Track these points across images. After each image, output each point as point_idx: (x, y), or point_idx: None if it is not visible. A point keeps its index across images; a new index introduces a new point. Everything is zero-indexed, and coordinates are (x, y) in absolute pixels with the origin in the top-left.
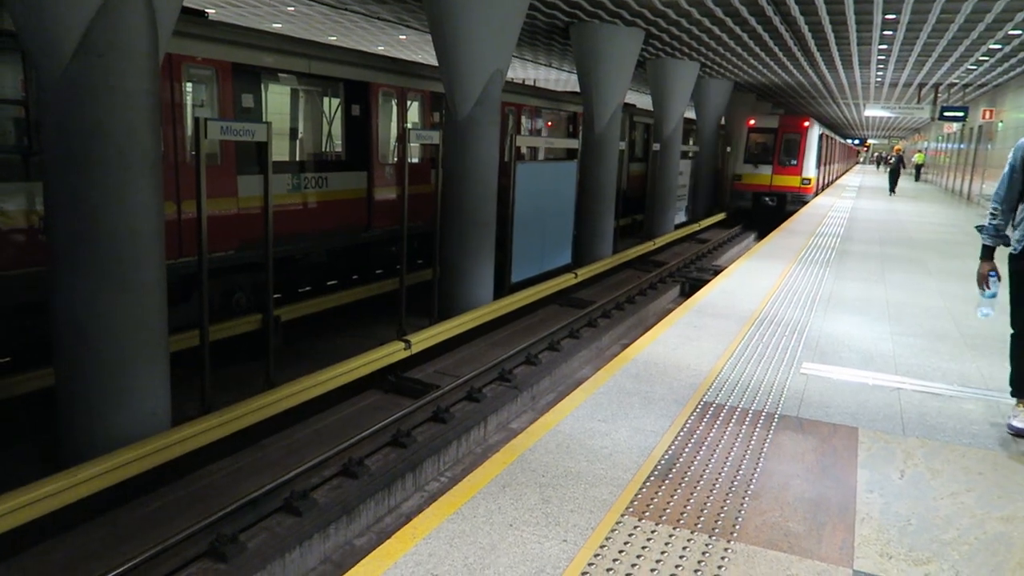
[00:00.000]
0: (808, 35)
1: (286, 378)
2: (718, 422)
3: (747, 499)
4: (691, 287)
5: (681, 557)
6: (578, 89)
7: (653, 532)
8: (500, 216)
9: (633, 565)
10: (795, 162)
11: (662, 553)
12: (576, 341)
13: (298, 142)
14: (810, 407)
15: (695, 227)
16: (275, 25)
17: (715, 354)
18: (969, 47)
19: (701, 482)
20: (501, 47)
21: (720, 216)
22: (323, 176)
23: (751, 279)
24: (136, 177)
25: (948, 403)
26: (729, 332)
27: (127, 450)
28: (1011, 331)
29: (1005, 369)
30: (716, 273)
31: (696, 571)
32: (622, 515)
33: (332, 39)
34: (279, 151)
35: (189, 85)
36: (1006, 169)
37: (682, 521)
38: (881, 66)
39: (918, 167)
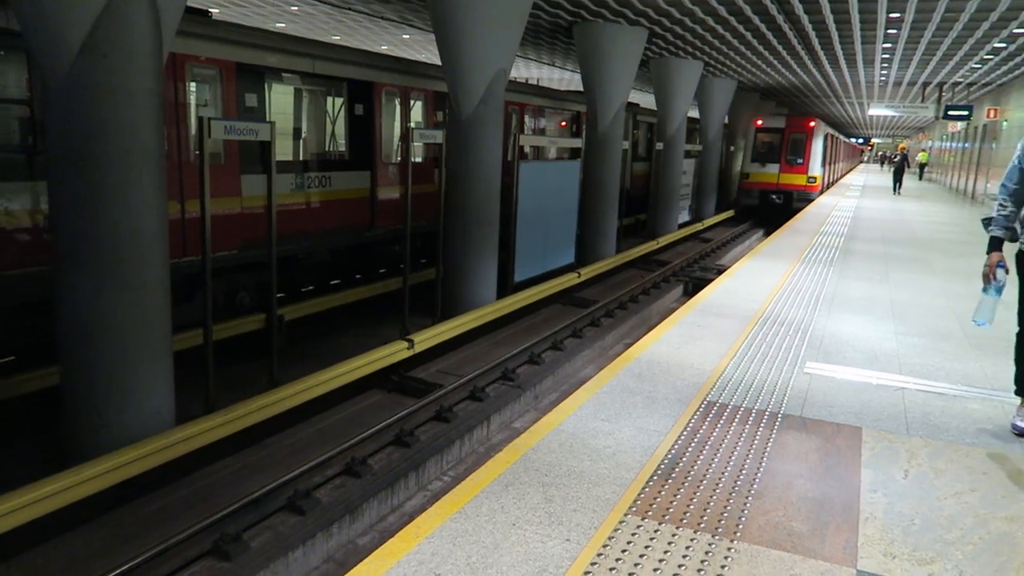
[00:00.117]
0: (812, 34)
1: (289, 377)
2: (721, 421)
3: (750, 499)
4: (694, 286)
5: (684, 557)
6: (581, 88)
7: (656, 532)
8: (503, 215)
9: (636, 564)
10: (801, 161)
11: (665, 553)
12: (579, 340)
13: (302, 141)
14: (814, 407)
15: (699, 226)
16: (279, 25)
17: (718, 353)
18: (973, 46)
19: (704, 481)
20: (505, 46)
21: (729, 213)
22: (327, 175)
23: (755, 278)
24: (140, 176)
25: (952, 403)
26: (732, 331)
27: (131, 449)
28: (1016, 330)
29: (1009, 368)
30: (719, 272)
31: (699, 571)
32: (625, 514)
33: (336, 39)
34: (282, 151)
35: (193, 85)
36: (1014, 162)
37: (685, 521)
38: (885, 65)
39: (922, 166)
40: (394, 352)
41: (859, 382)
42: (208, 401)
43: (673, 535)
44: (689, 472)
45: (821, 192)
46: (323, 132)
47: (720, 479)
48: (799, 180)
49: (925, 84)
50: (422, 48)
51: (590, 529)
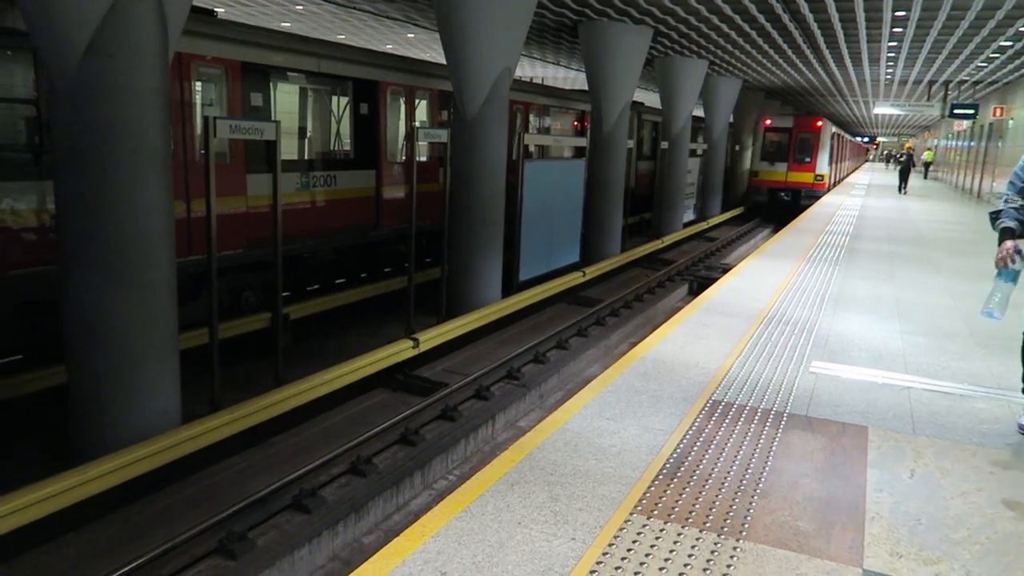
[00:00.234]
0: (817, 32)
1: (295, 376)
2: (727, 421)
3: (756, 498)
4: (699, 285)
5: (690, 556)
6: (586, 87)
7: (662, 531)
8: (508, 214)
9: (642, 564)
10: (809, 159)
11: (671, 552)
12: (584, 339)
13: (307, 141)
14: (819, 406)
15: (704, 225)
16: (284, 24)
17: (724, 352)
18: (980, 44)
19: (710, 481)
20: (509, 45)
21: (738, 211)
22: (332, 175)
23: (760, 277)
24: (146, 176)
25: (958, 402)
26: (738, 330)
27: (137, 448)
28: (1023, 329)
29: (1016, 368)
30: (725, 271)
31: (705, 570)
32: (631, 513)
33: (341, 38)
34: (288, 150)
35: (199, 84)
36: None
37: (691, 520)
38: (891, 63)
39: (927, 165)
40: (399, 351)
41: (865, 381)
42: (214, 400)
43: (679, 534)
44: (694, 471)
45: (828, 190)
46: (328, 131)
47: (725, 478)
48: (807, 178)
49: (931, 82)
50: (427, 47)
51: (596, 528)
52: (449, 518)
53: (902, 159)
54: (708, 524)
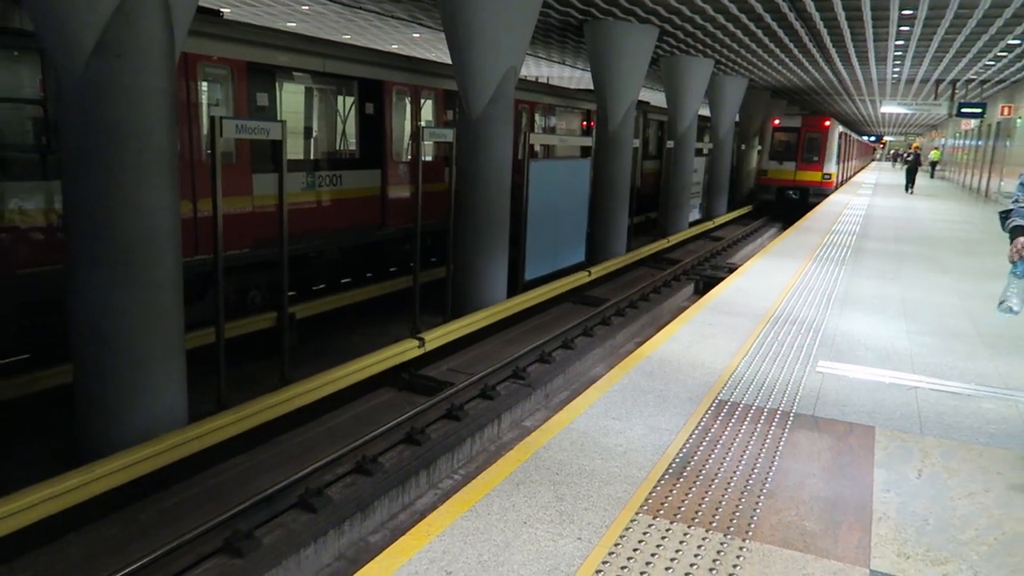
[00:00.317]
0: (823, 31)
1: (300, 375)
2: (733, 420)
3: (762, 498)
4: (705, 285)
5: (696, 556)
6: (591, 87)
7: (668, 530)
8: (514, 214)
9: (647, 563)
10: (817, 159)
11: (676, 551)
12: (590, 339)
13: (312, 140)
14: (826, 405)
15: (709, 224)
16: (289, 24)
17: (730, 352)
18: (987, 43)
19: (716, 480)
20: (515, 45)
21: (746, 209)
22: (337, 174)
23: (766, 277)
24: (152, 176)
25: (965, 402)
26: (744, 330)
27: (143, 446)
28: None
29: (1023, 368)
30: (731, 271)
31: (711, 570)
32: (636, 513)
33: (346, 38)
34: (294, 150)
35: (205, 84)
36: None
37: (697, 519)
38: (898, 62)
39: (933, 164)
40: (405, 350)
41: (872, 381)
42: (220, 399)
43: (685, 534)
44: (701, 471)
45: (835, 188)
46: (334, 131)
47: (732, 478)
48: (815, 177)
49: (938, 81)
50: (432, 47)
51: (601, 528)
52: (455, 517)
53: (909, 158)
54: (714, 524)
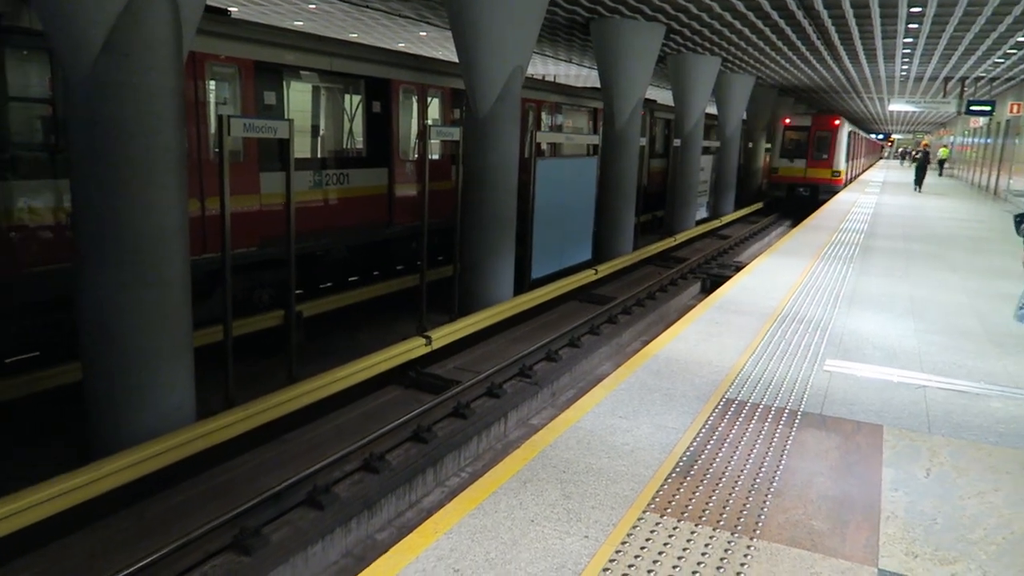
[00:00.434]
0: (831, 29)
1: (308, 373)
2: (740, 419)
3: (770, 496)
4: (712, 283)
5: (703, 554)
6: (598, 85)
7: (675, 529)
8: (520, 212)
9: (655, 562)
10: (826, 157)
11: (683, 550)
12: (596, 337)
13: (320, 139)
14: (834, 404)
15: (716, 223)
16: (296, 23)
17: (737, 351)
18: (996, 40)
19: (723, 479)
20: (522, 43)
21: (755, 206)
22: (344, 173)
23: (773, 275)
24: (160, 174)
25: (974, 401)
26: (751, 328)
27: (152, 444)
28: None
29: None
30: (738, 269)
31: (718, 568)
32: (643, 511)
33: (353, 36)
34: (301, 148)
35: (212, 83)
36: None
37: (704, 518)
38: (906, 60)
39: (941, 162)
40: (412, 348)
41: (880, 380)
42: (228, 397)
43: (692, 533)
44: (708, 469)
45: (845, 185)
46: (341, 129)
47: (739, 477)
48: (824, 174)
49: (947, 79)
50: (439, 45)
51: (608, 526)
52: (462, 515)
53: (918, 156)
54: (721, 522)
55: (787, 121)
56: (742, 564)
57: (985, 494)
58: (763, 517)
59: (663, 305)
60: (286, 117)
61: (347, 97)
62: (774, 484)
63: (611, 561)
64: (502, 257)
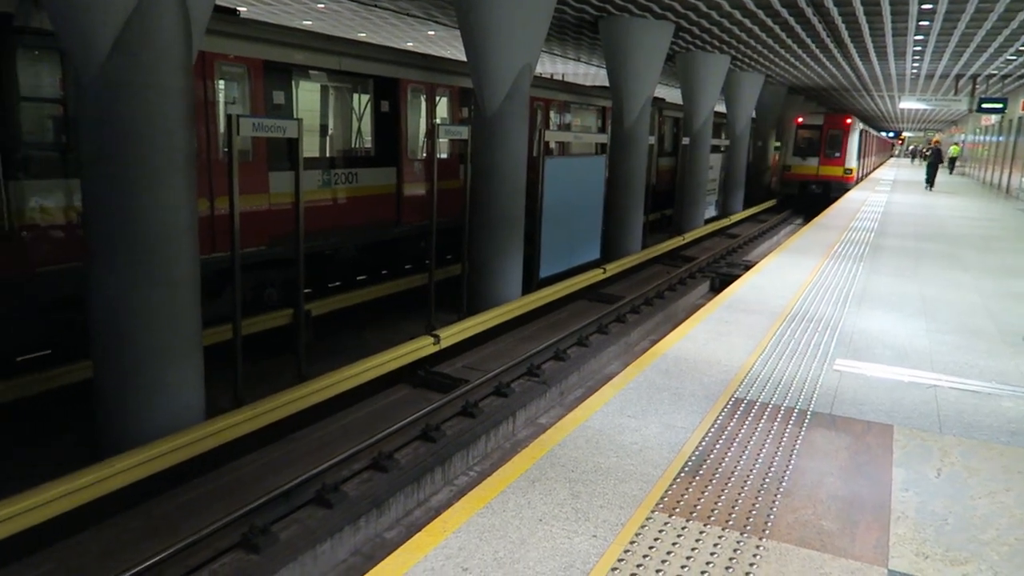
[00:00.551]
0: (842, 26)
1: (316, 372)
2: (749, 418)
3: (779, 496)
4: (721, 282)
5: (712, 554)
6: (607, 83)
7: (683, 528)
8: (529, 211)
9: (663, 561)
10: (839, 155)
11: (692, 550)
12: (605, 336)
13: (328, 138)
14: (843, 404)
15: (725, 222)
16: (305, 22)
17: (746, 350)
18: (1008, 37)
19: (732, 479)
20: (530, 42)
21: (768, 204)
22: (353, 172)
23: (782, 274)
24: (170, 174)
25: (986, 401)
26: (760, 328)
27: (161, 442)
28: None
29: None
30: (747, 268)
31: (727, 568)
32: (652, 511)
33: (362, 35)
34: (309, 147)
35: (222, 82)
36: None
37: (713, 518)
38: (917, 57)
39: (952, 160)
40: (420, 347)
41: (890, 379)
42: (237, 396)
43: (701, 532)
44: (717, 469)
45: (856, 182)
46: (349, 129)
47: (748, 476)
48: (836, 172)
49: (958, 77)
50: (447, 44)
51: (617, 526)
52: (470, 514)
53: (928, 153)
54: (730, 522)
55: (800, 120)
56: (751, 564)
57: (997, 494)
58: (772, 517)
59: (672, 304)
60: (295, 116)
61: (356, 96)
62: (783, 484)
63: (619, 561)
64: (510, 256)
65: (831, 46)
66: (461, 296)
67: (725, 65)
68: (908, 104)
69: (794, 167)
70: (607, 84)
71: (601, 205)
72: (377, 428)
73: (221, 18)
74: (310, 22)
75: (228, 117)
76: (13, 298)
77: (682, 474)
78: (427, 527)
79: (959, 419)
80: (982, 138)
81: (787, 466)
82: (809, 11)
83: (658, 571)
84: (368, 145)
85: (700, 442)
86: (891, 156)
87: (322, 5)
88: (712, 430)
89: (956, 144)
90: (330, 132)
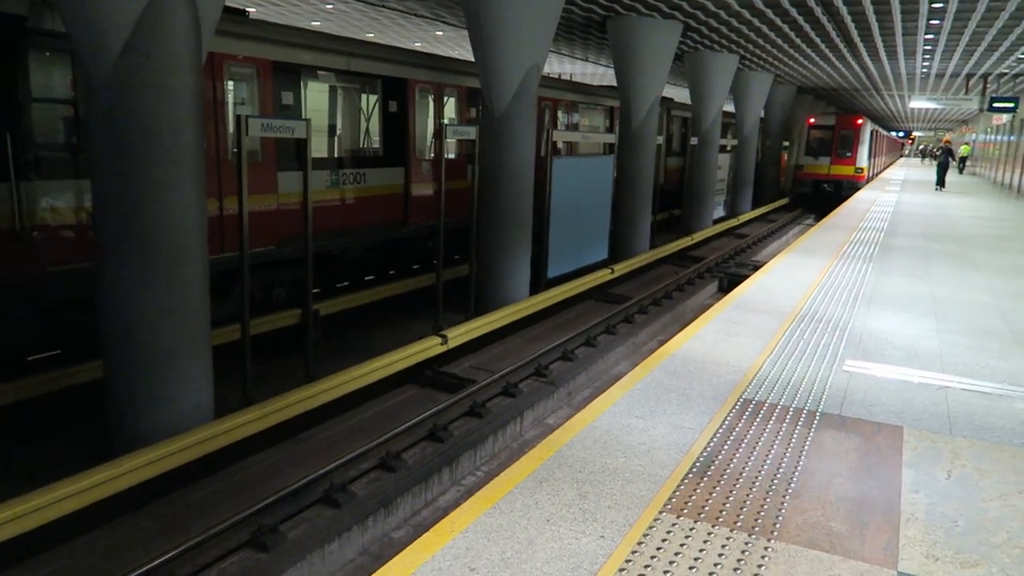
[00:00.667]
0: (851, 25)
1: (324, 372)
2: (758, 419)
3: (788, 498)
4: (730, 283)
5: (720, 555)
6: (615, 83)
7: (691, 529)
8: (536, 211)
9: (671, 562)
10: (850, 154)
11: (700, 551)
12: (612, 337)
13: (337, 138)
14: (853, 405)
15: (734, 222)
16: (314, 23)
17: (755, 350)
18: (1020, 36)
19: (740, 480)
20: (538, 42)
21: (780, 202)
22: (361, 172)
23: (791, 275)
24: (180, 174)
25: (997, 402)
26: (769, 328)
27: (171, 442)
28: None
29: None
30: (755, 268)
31: (735, 569)
32: (660, 512)
33: (370, 36)
34: (318, 147)
35: (231, 83)
36: None
37: (721, 519)
38: (927, 56)
39: (963, 159)
40: (428, 348)
41: (900, 380)
42: (246, 395)
43: (709, 533)
44: (725, 470)
45: (867, 181)
46: (357, 129)
47: (756, 477)
48: (848, 171)
49: (969, 76)
50: (455, 44)
51: (624, 526)
52: (478, 514)
53: (939, 153)
54: (739, 523)
55: (812, 120)
56: (759, 566)
57: (1008, 496)
58: (781, 518)
59: (680, 304)
60: (303, 117)
61: (364, 97)
62: (792, 485)
63: (627, 562)
64: (518, 256)
65: (840, 45)
66: (469, 296)
67: (734, 65)
68: (918, 103)
69: (806, 166)
70: (615, 84)
71: (609, 205)
72: (385, 428)
73: (230, 19)
74: (318, 23)
75: (237, 118)
76: (23, 298)
77: (690, 475)
78: (435, 527)
79: (970, 420)
80: (993, 137)
81: (796, 467)
82: (818, 10)
83: (666, 572)
84: (376, 145)
85: (708, 443)
86: (901, 156)
87: (330, 6)
88: (720, 431)
89: (967, 144)
90: (338, 132)
